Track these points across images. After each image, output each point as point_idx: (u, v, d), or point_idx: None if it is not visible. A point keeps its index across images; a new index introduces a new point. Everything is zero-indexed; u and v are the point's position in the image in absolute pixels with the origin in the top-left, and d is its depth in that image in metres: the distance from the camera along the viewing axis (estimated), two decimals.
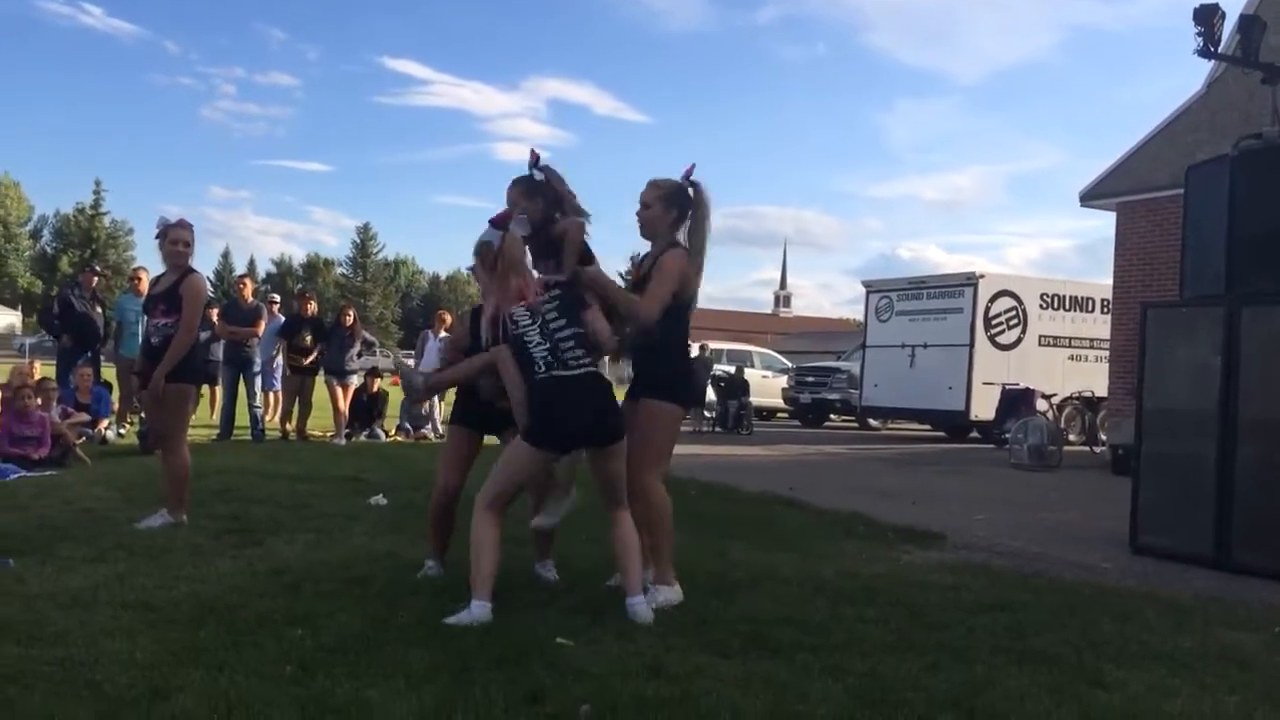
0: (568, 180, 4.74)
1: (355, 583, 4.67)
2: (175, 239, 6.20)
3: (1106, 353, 15.46)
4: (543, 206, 4.60)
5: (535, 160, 4.71)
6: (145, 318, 6.44)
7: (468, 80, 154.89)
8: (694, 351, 19.86)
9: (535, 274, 4.45)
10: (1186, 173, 7.15)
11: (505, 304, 4.31)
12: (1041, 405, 15.34)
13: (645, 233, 4.72)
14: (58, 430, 9.02)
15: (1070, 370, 17.83)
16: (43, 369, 12.45)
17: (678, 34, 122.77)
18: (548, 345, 4.29)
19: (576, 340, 4.32)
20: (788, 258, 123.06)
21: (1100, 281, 17.66)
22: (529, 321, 4.30)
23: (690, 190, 4.67)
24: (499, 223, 4.35)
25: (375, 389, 13.67)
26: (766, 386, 22.46)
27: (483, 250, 4.41)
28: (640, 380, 4.69)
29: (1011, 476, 11.90)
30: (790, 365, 24.62)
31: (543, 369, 4.29)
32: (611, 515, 4.46)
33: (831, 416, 22.72)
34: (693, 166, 4.69)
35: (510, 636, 3.84)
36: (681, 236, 4.68)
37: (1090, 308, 18.56)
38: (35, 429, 8.77)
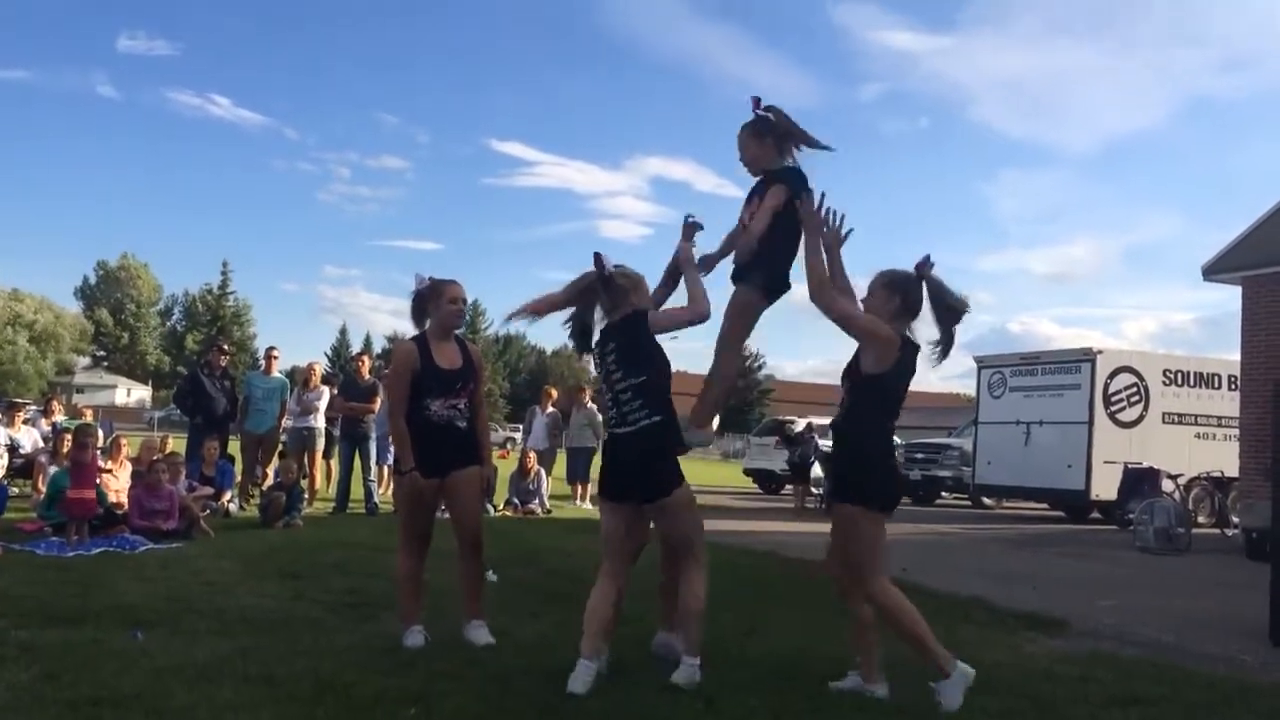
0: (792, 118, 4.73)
1: (468, 661, 4.69)
2: (455, 297, 5.21)
3: (1236, 431, 14.79)
4: (773, 143, 4.72)
5: (758, 104, 4.75)
6: (438, 399, 5.06)
7: (572, 160, 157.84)
8: (799, 427, 19.82)
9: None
10: None
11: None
12: (1167, 485, 14.72)
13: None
14: (184, 503, 9.36)
15: (1197, 449, 17.07)
16: (173, 443, 12.98)
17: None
18: (611, 399, 4.52)
19: (635, 392, 4.44)
20: None
21: (1226, 357, 16.99)
22: (604, 383, 4.58)
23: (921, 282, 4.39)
24: (599, 264, 4.59)
25: None
26: None
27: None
28: (836, 478, 4.60)
29: (1137, 560, 11.38)
30: (899, 441, 24.12)
31: (613, 423, 4.52)
32: (680, 572, 4.53)
33: (943, 494, 22.18)
34: (927, 259, 4.41)
35: (626, 716, 3.80)
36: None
37: (1217, 384, 17.83)
38: (164, 502, 9.12)
